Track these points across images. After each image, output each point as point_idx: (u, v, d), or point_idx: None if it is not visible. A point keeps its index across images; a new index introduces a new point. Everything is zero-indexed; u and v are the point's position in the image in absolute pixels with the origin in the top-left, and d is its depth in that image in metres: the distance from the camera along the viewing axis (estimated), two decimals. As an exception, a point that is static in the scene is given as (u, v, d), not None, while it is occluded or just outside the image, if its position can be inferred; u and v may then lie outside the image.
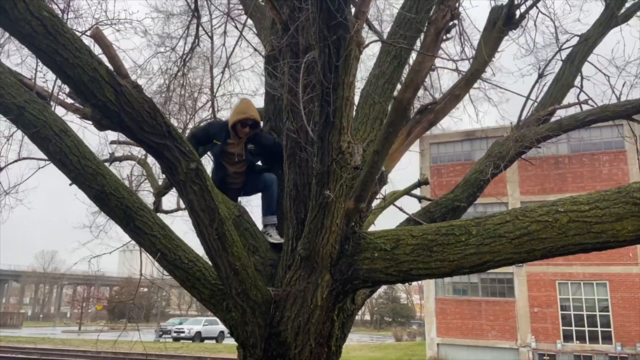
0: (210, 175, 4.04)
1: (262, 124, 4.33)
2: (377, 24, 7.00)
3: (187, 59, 7.26)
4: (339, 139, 2.97)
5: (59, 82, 4.02)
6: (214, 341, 40.35)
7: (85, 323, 62.33)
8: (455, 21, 3.47)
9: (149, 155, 5.19)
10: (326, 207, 3.08)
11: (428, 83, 6.57)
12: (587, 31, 5.97)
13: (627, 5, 6.23)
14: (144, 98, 2.67)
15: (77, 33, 2.41)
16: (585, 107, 5.85)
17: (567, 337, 23.64)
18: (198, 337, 39.50)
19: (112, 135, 6.11)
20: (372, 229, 4.61)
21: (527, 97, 4.82)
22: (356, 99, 4.42)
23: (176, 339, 38.70)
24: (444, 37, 3.18)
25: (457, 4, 3.30)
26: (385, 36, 5.20)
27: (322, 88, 2.84)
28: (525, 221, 2.94)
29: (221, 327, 43.06)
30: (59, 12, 4.49)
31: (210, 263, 3.54)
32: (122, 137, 4.87)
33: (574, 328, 23.65)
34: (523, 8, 4.25)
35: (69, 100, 4.40)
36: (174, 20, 7.63)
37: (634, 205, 2.70)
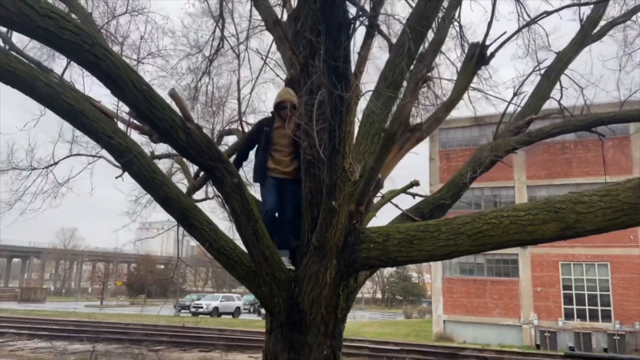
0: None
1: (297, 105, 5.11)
2: (384, 27, 7.94)
3: (213, 59, 8.25)
4: (342, 161, 4.01)
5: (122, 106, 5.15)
6: (230, 316, 42.12)
7: (105, 298, 64.77)
8: (430, 73, 4.46)
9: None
10: (333, 211, 4.14)
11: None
12: (563, 49, 6.87)
13: (601, 23, 7.13)
14: (204, 135, 3.74)
15: (160, 96, 3.47)
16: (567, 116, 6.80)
17: (568, 315, 24.72)
18: (215, 312, 41.24)
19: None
20: (373, 221, 5.70)
21: (503, 114, 5.79)
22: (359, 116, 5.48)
23: (195, 314, 40.52)
24: (422, 86, 4.16)
25: (431, 62, 4.29)
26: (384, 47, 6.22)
27: (330, 125, 3.88)
28: (480, 222, 3.98)
29: (237, 303, 44.87)
30: (117, 47, 5.55)
31: (245, 250, 4.63)
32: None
33: (574, 307, 24.71)
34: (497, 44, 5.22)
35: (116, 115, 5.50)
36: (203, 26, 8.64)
37: (555, 213, 3.73)
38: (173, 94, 3.53)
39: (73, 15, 6.17)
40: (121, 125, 5.44)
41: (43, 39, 2.91)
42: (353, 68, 3.83)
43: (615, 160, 24.32)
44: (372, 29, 3.56)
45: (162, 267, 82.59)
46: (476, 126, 27.18)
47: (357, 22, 3.30)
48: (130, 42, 6.43)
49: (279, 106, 4.99)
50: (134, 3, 6.32)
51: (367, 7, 3.87)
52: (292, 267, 4.65)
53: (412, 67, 4.80)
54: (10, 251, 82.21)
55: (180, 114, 3.66)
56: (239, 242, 4.79)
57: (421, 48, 5.56)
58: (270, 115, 5.22)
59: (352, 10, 3.78)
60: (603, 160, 7.14)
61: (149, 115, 3.37)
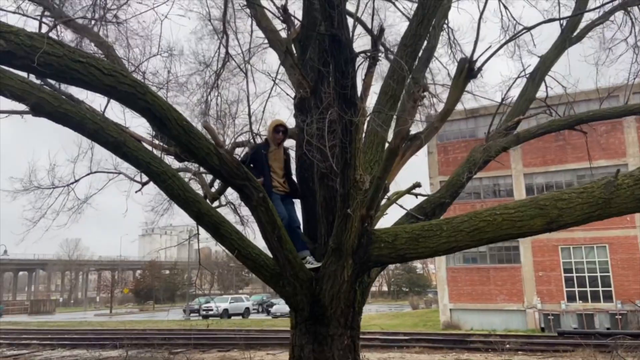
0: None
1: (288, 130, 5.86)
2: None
3: (220, 74, 8.80)
4: (354, 173, 4.58)
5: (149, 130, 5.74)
6: (240, 317, 42.74)
7: (114, 306, 65.37)
8: (426, 93, 5.03)
9: (201, 167, 6.84)
10: (348, 216, 4.72)
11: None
12: (545, 53, 7.43)
13: (581, 26, 7.69)
14: (233, 159, 4.32)
15: (197, 128, 4.05)
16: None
17: (571, 298, 25.37)
18: (226, 314, 41.85)
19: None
20: (382, 221, 6.28)
21: (493, 118, 6.36)
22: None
23: (205, 317, 41.12)
24: (418, 104, 4.73)
25: (426, 83, 4.85)
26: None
27: (341, 143, 4.45)
28: (476, 220, 4.56)
29: (246, 303, 45.54)
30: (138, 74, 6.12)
31: (269, 255, 5.21)
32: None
33: (576, 289, 25.35)
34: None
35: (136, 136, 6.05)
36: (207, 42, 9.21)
37: (540, 209, 4.31)
38: (207, 126, 4.11)
39: (91, 44, 6.74)
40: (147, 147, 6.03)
41: (106, 92, 3.48)
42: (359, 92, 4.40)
43: (608, 144, 24.92)
44: (374, 62, 4.12)
45: (168, 272, 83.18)
46: (472, 118, 27.77)
47: (364, 57, 3.86)
48: (147, 67, 6.98)
49: (276, 129, 5.67)
50: (150, 31, 6.87)
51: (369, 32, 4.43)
52: (318, 265, 5.18)
53: (408, 81, 5.37)
54: (16, 265, 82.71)
55: (213, 141, 4.25)
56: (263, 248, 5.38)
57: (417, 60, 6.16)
58: (264, 141, 5.86)
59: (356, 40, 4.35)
60: (588, 153, 7.76)
61: (188, 145, 3.95)
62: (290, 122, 6.79)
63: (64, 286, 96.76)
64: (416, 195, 7.39)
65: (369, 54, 4.02)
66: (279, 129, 5.64)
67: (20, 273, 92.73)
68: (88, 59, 3.22)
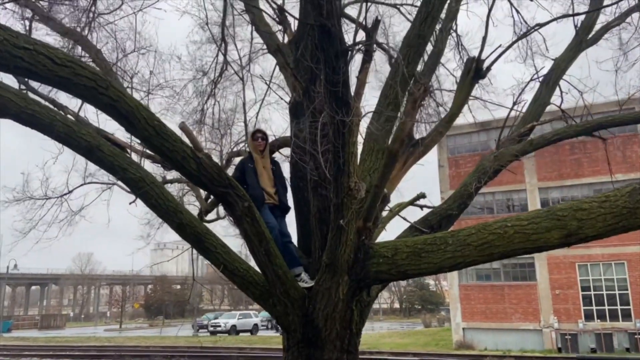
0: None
1: (269, 137, 5.53)
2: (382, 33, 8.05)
3: (217, 82, 8.47)
4: (348, 181, 4.15)
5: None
6: (248, 333, 42.10)
7: (124, 321, 65.05)
8: (428, 90, 4.61)
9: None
10: (342, 229, 4.28)
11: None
12: (559, 55, 6.98)
13: (596, 28, 7.23)
14: (214, 164, 3.92)
15: (171, 129, 3.66)
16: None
17: (588, 317, 24.43)
18: (234, 331, 41.27)
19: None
20: (383, 234, 5.81)
21: (504, 123, 5.91)
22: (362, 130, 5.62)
23: (213, 333, 40.57)
24: (420, 105, 4.31)
25: (430, 77, 4.44)
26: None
27: (334, 147, 4.03)
28: (485, 233, 4.09)
29: (254, 320, 44.90)
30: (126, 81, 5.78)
31: (259, 271, 4.78)
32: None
33: (594, 307, 24.42)
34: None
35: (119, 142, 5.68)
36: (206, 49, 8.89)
37: (558, 221, 3.83)
38: (183, 127, 3.72)
39: (80, 50, 6.44)
40: (133, 155, 5.67)
41: (61, 85, 3.11)
42: (353, 91, 3.99)
43: (625, 157, 24.16)
44: (368, 57, 3.72)
45: (179, 287, 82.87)
46: (483, 131, 27.23)
47: (354, 50, 3.46)
48: (139, 74, 6.67)
49: (254, 136, 5.34)
50: (140, 36, 6.57)
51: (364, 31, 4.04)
52: (312, 283, 4.72)
53: (411, 84, 4.97)
54: (29, 279, 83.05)
55: (190, 144, 3.85)
56: (252, 263, 4.94)
57: (420, 64, 5.78)
58: (247, 154, 5.51)
59: (349, 36, 3.96)
60: (608, 163, 7.22)
61: (162, 148, 3.56)
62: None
63: (76, 301, 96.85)
64: (421, 207, 6.93)
65: (362, 47, 3.61)
66: (256, 136, 5.32)
67: (33, 287, 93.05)
68: (36, 45, 2.85)
